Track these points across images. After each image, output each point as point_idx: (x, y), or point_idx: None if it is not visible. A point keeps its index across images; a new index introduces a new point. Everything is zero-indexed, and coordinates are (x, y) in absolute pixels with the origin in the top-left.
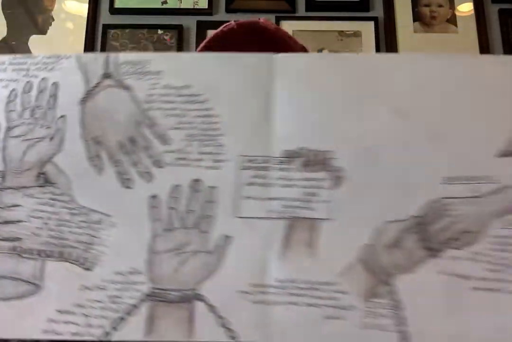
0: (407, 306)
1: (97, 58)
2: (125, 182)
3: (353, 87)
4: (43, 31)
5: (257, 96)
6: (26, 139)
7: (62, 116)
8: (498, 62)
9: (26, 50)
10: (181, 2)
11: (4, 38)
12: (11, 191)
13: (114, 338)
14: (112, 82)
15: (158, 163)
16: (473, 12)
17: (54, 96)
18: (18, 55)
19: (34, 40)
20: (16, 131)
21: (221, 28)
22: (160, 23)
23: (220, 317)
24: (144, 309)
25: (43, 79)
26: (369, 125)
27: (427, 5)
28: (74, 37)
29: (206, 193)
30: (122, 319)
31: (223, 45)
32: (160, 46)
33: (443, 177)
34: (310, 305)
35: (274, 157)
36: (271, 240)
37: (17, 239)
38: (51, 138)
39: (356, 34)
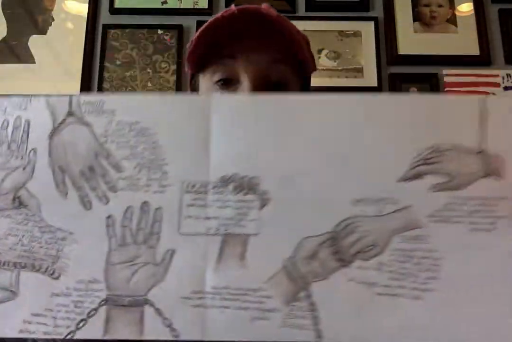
0: (321, 309)
1: (62, 100)
2: (86, 204)
3: (275, 123)
4: (43, 31)
5: (196, 131)
6: (3, 169)
7: (33, 149)
8: (396, 101)
9: (26, 50)
10: (181, 2)
11: (4, 38)
12: None
13: (77, 336)
14: (75, 119)
15: (113, 189)
16: (473, 12)
17: (26, 132)
18: None
19: (34, 40)
20: None
21: (221, 13)
22: (160, 23)
23: (165, 318)
24: (102, 312)
25: (17, 117)
26: (288, 154)
27: (427, 5)
28: (74, 37)
29: (153, 213)
30: (84, 320)
31: (223, 31)
32: (160, 46)
33: (353, 198)
34: (240, 308)
35: (211, 182)
36: (208, 253)
37: None
38: (24, 168)
39: (356, 34)
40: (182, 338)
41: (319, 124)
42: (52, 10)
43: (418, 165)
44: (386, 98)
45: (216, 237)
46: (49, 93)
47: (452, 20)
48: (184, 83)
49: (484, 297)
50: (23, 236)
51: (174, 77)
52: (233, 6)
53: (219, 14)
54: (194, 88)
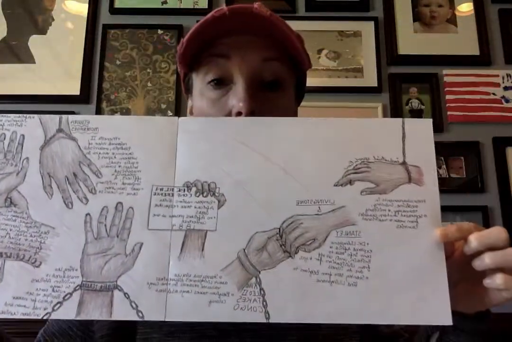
0: (269, 293)
1: (53, 119)
2: (68, 204)
3: (232, 140)
4: (43, 31)
5: (165, 146)
6: None
7: (26, 158)
8: (333, 123)
9: (26, 50)
10: (181, 2)
11: (4, 38)
12: None
13: (52, 317)
14: (64, 135)
15: (93, 191)
16: (473, 12)
17: (21, 144)
18: None
19: (34, 40)
20: None
21: (212, 13)
22: (160, 23)
23: (132, 301)
24: (76, 296)
25: (13, 132)
26: (243, 165)
27: (427, 5)
28: (74, 37)
29: (126, 212)
30: (59, 303)
31: (214, 30)
32: (160, 46)
33: (297, 200)
34: (199, 292)
35: (176, 186)
36: (172, 245)
37: None
38: (17, 173)
39: (356, 34)
40: (146, 318)
41: (266, 141)
42: (52, 10)
43: (350, 174)
44: (324, 121)
45: (179, 232)
46: (49, 93)
47: (452, 20)
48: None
49: (409, 284)
50: (10, 230)
51: (174, 77)
52: (224, 6)
53: (209, 14)
54: (188, 88)
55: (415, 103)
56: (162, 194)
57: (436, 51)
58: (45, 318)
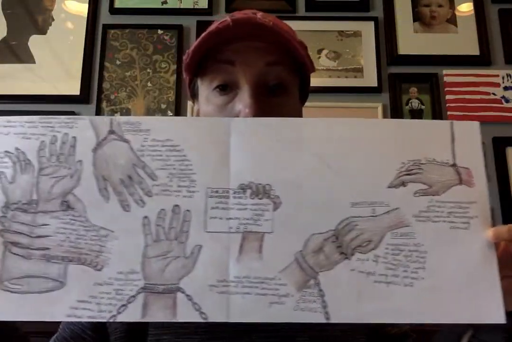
0: (328, 294)
1: (104, 120)
2: (125, 207)
3: (285, 141)
4: (43, 31)
5: (218, 146)
6: (53, 177)
7: (79, 161)
8: (385, 124)
9: (26, 50)
10: (181, 2)
11: (4, 38)
12: (42, 214)
13: (118, 319)
14: (116, 137)
15: (149, 194)
16: (473, 12)
17: (73, 146)
18: (45, 116)
19: (34, 40)
20: (45, 171)
21: (216, 24)
22: (160, 23)
23: (195, 303)
24: (140, 299)
25: (65, 134)
26: (296, 166)
27: (427, 5)
28: (74, 37)
29: (183, 215)
30: (124, 306)
31: (219, 38)
32: (160, 46)
33: (351, 202)
34: (259, 294)
35: (231, 189)
36: (231, 248)
37: (46, 249)
38: (71, 176)
39: (356, 34)
40: (210, 320)
41: (320, 142)
42: (52, 10)
43: (403, 175)
44: (376, 122)
45: (237, 234)
46: (49, 93)
47: (452, 20)
48: (184, 85)
49: (463, 283)
50: (70, 234)
51: (174, 77)
52: (227, 17)
53: (213, 26)
54: (194, 93)
55: (415, 103)
56: (217, 196)
57: (436, 51)
58: (111, 320)
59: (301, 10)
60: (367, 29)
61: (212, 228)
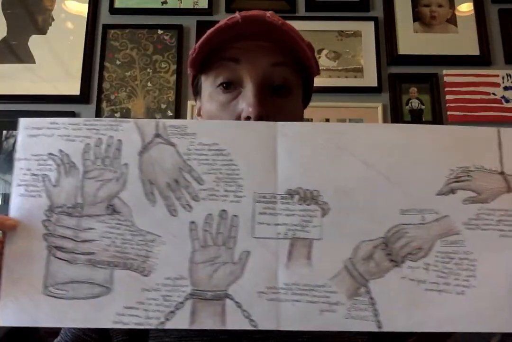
0: (379, 302)
1: (149, 123)
2: (172, 211)
3: (333, 146)
4: (43, 31)
5: (265, 151)
6: (98, 180)
7: (125, 164)
8: (433, 130)
9: (26, 50)
10: (181, 2)
11: (4, 38)
12: (87, 218)
13: (166, 326)
14: (162, 140)
15: (196, 198)
16: (473, 12)
17: (119, 149)
18: (89, 119)
19: (34, 40)
20: (90, 174)
21: (225, 20)
22: (160, 23)
23: (244, 310)
24: (188, 305)
25: (110, 136)
26: (345, 172)
27: (427, 5)
28: (74, 37)
29: (230, 220)
30: (172, 312)
31: (226, 35)
32: (160, 46)
33: (400, 209)
34: (309, 301)
35: (279, 194)
36: (279, 254)
37: (92, 253)
38: (117, 180)
39: (356, 34)
40: (259, 327)
41: (368, 148)
42: (52, 10)
43: (452, 183)
44: (424, 128)
45: (285, 240)
46: (49, 93)
47: (452, 20)
48: (185, 84)
49: None
50: (116, 238)
51: (174, 77)
52: (237, 14)
53: (222, 22)
54: (197, 90)
55: (415, 103)
56: (265, 202)
57: (436, 51)
58: (159, 327)
59: (301, 10)
60: (367, 29)
61: (260, 233)
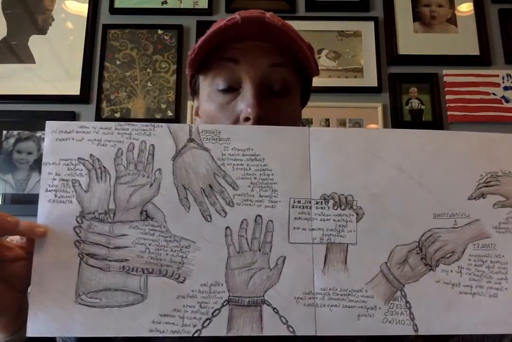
0: (415, 306)
1: (183, 128)
2: (206, 217)
3: (365, 151)
4: (43, 31)
5: (298, 156)
6: (131, 186)
7: (158, 169)
8: (463, 137)
9: (26, 50)
10: (181, 2)
11: (4, 38)
12: (120, 224)
13: (203, 334)
14: (195, 145)
15: (230, 203)
16: (473, 12)
17: (152, 154)
18: (121, 123)
19: (34, 40)
20: (123, 180)
21: (224, 21)
22: (160, 23)
23: (282, 316)
24: (225, 312)
25: (142, 141)
26: (378, 177)
27: (427, 5)
28: (74, 37)
29: (266, 225)
30: (209, 319)
31: (226, 36)
32: (160, 46)
33: (433, 213)
34: (346, 306)
35: (314, 199)
36: (315, 259)
37: (125, 260)
38: (151, 185)
39: (356, 34)
40: (297, 333)
41: (399, 153)
42: (52, 10)
43: (482, 187)
44: (454, 134)
45: (321, 245)
46: (49, 93)
47: (452, 20)
48: (185, 84)
49: None
50: (150, 245)
51: (174, 77)
52: (236, 14)
53: (222, 22)
54: (195, 90)
55: (415, 103)
56: (300, 207)
57: (436, 51)
58: (195, 335)
59: (301, 10)
60: (367, 29)
61: (295, 238)
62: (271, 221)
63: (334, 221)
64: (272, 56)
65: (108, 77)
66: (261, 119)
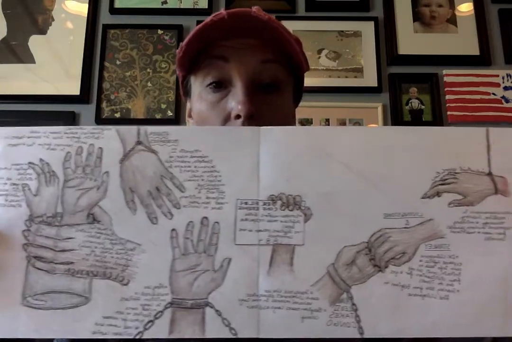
0: (362, 308)
1: (131, 130)
2: (153, 219)
3: (315, 150)
4: (43, 31)
5: (247, 157)
6: (79, 189)
7: (106, 172)
8: (417, 132)
9: (26, 50)
10: (181, 2)
11: (4, 38)
12: (67, 227)
13: (145, 336)
14: (143, 147)
15: (177, 206)
16: (473, 12)
17: (100, 157)
18: (70, 127)
19: (34, 40)
20: (71, 183)
21: (211, 17)
22: (160, 23)
23: (225, 318)
24: (167, 314)
25: (91, 145)
26: (327, 176)
27: (427, 5)
28: (74, 37)
29: (211, 227)
30: (151, 322)
31: (213, 33)
32: (160, 46)
33: (384, 213)
34: (291, 308)
35: (261, 200)
36: (261, 260)
37: (71, 263)
38: (98, 188)
39: (356, 34)
40: (239, 336)
41: (352, 151)
42: (52, 10)
43: (437, 185)
44: (409, 129)
45: (267, 247)
46: (49, 93)
47: (452, 20)
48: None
49: (499, 296)
50: (95, 248)
51: (174, 77)
52: (222, 10)
53: (208, 19)
54: (187, 91)
55: (415, 103)
56: (247, 208)
57: (436, 51)
58: (137, 337)
59: (301, 10)
60: (367, 29)
61: (241, 240)
62: (217, 222)
63: (281, 222)
64: (262, 52)
65: (108, 77)
66: (252, 116)
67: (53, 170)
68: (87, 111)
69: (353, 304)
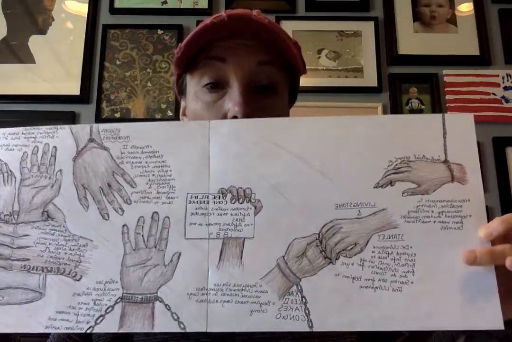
0: (311, 301)
1: (84, 128)
2: (104, 215)
3: (266, 142)
4: (43, 31)
5: (197, 151)
6: (34, 187)
7: (60, 170)
8: (369, 121)
9: (26, 50)
10: (181, 2)
11: (4, 38)
12: (23, 224)
13: (96, 330)
14: (95, 144)
15: (128, 201)
16: (473, 12)
17: (54, 156)
18: (27, 127)
19: (34, 40)
20: (27, 182)
21: (211, 19)
22: (160, 23)
23: (174, 313)
24: (118, 309)
25: (46, 144)
26: (278, 168)
27: (427, 5)
28: (74, 37)
29: (162, 222)
30: (102, 316)
31: (212, 34)
32: (160, 46)
33: (335, 203)
34: (239, 302)
35: (211, 193)
36: (210, 254)
37: (27, 260)
38: (52, 186)
39: (356, 34)
40: (188, 330)
41: (302, 142)
42: (52, 10)
43: (390, 174)
44: (360, 119)
45: (217, 240)
46: (49, 93)
47: (452, 20)
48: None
49: (456, 287)
50: (50, 244)
51: (174, 77)
52: (222, 12)
53: (208, 20)
54: (182, 89)
55: (415, 103)
56: (197, 202)
57: (436, 51)
58: (88, 331)
59: (301, 10)
60: (367, 29)
61: (191, 234)
62: (168, 217)
63: (232, 215)
64: (259, 54)
65: (108, 77)
66: (248, 117)
67: (11, 170)
68: (87, 111)
69: (303, 297)
